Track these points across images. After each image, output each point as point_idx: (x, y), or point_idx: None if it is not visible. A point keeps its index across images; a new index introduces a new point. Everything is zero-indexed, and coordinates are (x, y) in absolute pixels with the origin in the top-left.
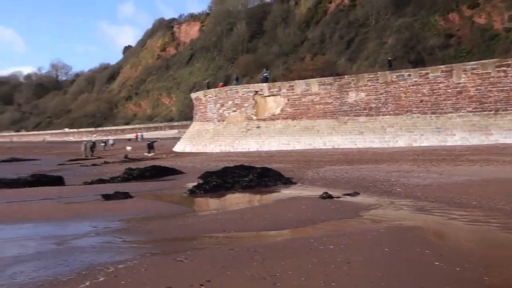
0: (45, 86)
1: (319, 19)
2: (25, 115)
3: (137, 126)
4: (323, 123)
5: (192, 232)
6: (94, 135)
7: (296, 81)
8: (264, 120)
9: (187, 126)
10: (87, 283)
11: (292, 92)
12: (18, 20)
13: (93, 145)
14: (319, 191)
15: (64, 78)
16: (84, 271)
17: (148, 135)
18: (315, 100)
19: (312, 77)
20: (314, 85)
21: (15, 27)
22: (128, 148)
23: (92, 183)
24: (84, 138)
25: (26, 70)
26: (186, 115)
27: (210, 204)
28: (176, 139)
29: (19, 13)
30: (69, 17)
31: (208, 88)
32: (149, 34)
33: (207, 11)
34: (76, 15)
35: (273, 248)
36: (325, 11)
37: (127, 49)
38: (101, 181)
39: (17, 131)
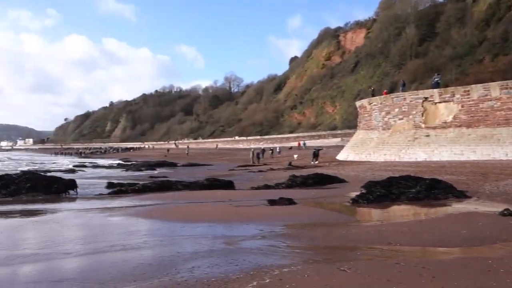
0: (219, 97)
1: (502, 15)
2: (202, 124)
3: (301, 134)
4: (505, 131)
5: (355, 242)
6: (261, 143)
7: (473, 85)
8: (433, 128)
9: (350, 135)
10: (254, 283)
11: (468, 98)
12: (199, 39)
13: (261, 152)
14: (498, 207)
15: (236, 90)
16: (251, 271)
17: (311, 143)
18: (495, 106)
19: (491, 80)
20: (495, 89)
21: (197, 46)
22: (295, 156)
23: (258, 188)
24: (252, 146)
25: (204, 83)
26: (350, 123)
27: (374, 214)
28: (339, 148)
29: (200, 33)
30: (242, 35)
31: (373, 95)
32: (315, 44)
33: (374, 17)
34: (248, 32)
35: (444, 266)
36: (509, 7)
37: (293, 60)
38: (267, 186)
39: (195, 139)
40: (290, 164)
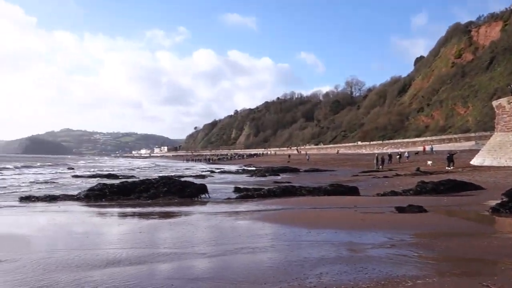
0: (340, 102)
1: None
2: (323, 130)
3: (428, 138)
4: None
5: (497, 255)
6: (385, 148)
7: None
8: None
9: (486, 137)
10: None
11: None
12: (319, 45)
13: (385, 158)
14: None
15: (357, 94)
16: (382, 281)
17: (440, 147)
18: None
19: None
20: None
21: (316, 52)
22: (429, 162)
23: (384, 194)
24: (376, 151)
25: (325, 89)
26: (485, 125)
27: None
28: (473, 152)
29: (319, 39)
30: (362, 37)
31: None
32: (443, 42)
33: (511, 8)
34: (369, 35)
35: None
36: None
37: (418, 60)
38: (394, 193)
39: (316, 144)
40: (418, 169)
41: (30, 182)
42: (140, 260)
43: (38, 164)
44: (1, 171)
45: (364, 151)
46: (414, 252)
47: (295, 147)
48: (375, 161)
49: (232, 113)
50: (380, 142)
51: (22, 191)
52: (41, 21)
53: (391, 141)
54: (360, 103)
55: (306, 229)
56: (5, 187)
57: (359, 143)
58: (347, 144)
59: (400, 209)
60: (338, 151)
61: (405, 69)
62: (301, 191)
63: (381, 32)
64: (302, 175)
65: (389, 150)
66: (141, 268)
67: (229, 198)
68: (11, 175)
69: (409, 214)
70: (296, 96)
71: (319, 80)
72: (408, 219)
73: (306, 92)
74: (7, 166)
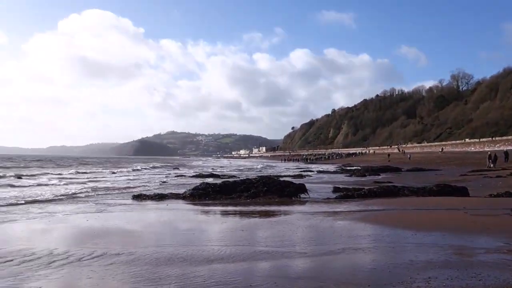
0: (445, 97)
1: None
2: (426, 127)
3: None
4: None
5: None
6: (498, 145)
7: None
8: None
9: None
10: None
11: None
12: (420, 38)
13: (499, 156)
14: None
15: (464, 88)
16: None
17: None
18: None
19: None
20: None
21: (418, 45)
22: None
23: (498, 195)
24: (486, 149)
25: (428, 84)
26: None
27: None
28: None
29: (421, 31)
30: (470, 26)
31: None
32: None
33: None
34: (477, 22)
35: None
36: None
37: None
38: (509, 194)
39: (419, 142)
40: None
41: (141, 181)
42: (242, 257)
43: (150, 165)
44: (120, 171)
45: (472, 149)
46: None
47: (396, 146)
48: (487, 159)
49: (330, 112)
50: (492, 139)
51: (135, 190)
52: (148, 31)
53: (504, 137)
54: (468, 98)
55: (410, 231)
56: (120, 186)
57: (467, 140)
58: (453, 142)
59: None
60: (442, 149)
61: None
62: (404, 191)
63: (490, 18)
64: (404, 175)
65: (505, 148)
66: (244, 265)
67: (328, 198)
68: (125, 175)
69: None
70: (397, 93)
71: (421, 74)
72: None
73: (408, 88)
74: (122, 168)
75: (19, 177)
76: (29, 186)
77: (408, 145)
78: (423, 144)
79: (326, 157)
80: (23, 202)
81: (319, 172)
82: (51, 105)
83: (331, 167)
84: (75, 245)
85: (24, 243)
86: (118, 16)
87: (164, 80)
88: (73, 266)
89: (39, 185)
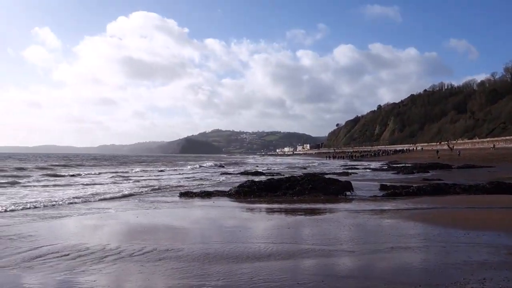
0: (498, 91)
1: None
2: (478, 123)
3: None
4: None
5: None
6: None
7: None
8: None
9: None
10: None
11: None
12: (471, 30)
13: None
14: None
15: None
16: None
17: None
18: None
19: None
20: None
21: (469, 37)
22: None
23: None
24: None
25: (479, 77)
26: None
27: None
28: None
29: (471, 22)
30: None
31: None
32: None
33: None
34: None
35: None
36: None
37: None
38: None
39: (470, 138)
40: None
41: (188, 179)
42: (289, 255)
43: (196, 163)
44: (167, 169)
45: None
46: None
47: (445, 142)
48: None
49: (375, 108)
50: None
51: (182, 188)
52: (192, 31)
53: None
54: None
55: (462, 230)
56: (168, 184)
57: None
58: (507, 138)
59: None
60: (494, 145)
61: None
62: (454, 189)
63: None
64: (455, 172)
65: None
66: (290, 263)
67: (375, 196)
68: (171, 173)
69: None
70: (446, 87)
71: (471, 68)
72: None
73: (457, 82)
74: (170, 165)
75: (72, 175)
76: (82, 184)
77: (458, 141)
78: (474, 140)
79: (372, 154)
80: (77, 199)
81: (365, 169)
82: (101, 106)
83: (377, 164)
84: (126, 241)
85: (78, 238)
86: (163, 17)
87: (209, 79)
88: (124, 261)
89: (92, 184)
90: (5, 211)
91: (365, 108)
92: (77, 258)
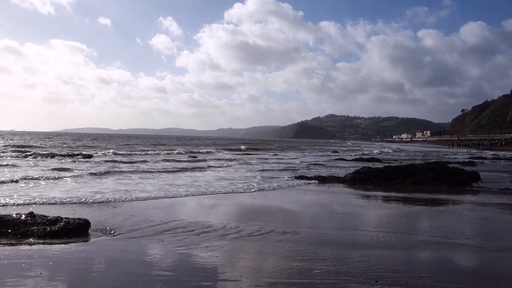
0: None
1: None
2: None
3: None
4: None
5: None
6: None
7: None
8: None
9: None
10: None
11: None
12: None
13: None
14: None
15: None
16: None
17: None
18: None
19: None
20: None
21: None
22: None
23: None
24: None
25: None
26: None
27: None
28: None
29: None
30: None
31: None
32: None
33: None
34: None
35: None
36: None
37: None
38: None
39: None
40: None
41: (303, 162)
42: (409, 246)
43: (307, 146)
44: (285, 154)
45: None
46: None
47: None
48: None
49: (508, 92)
50: None
51: (297, 170)
52: (307, 14)
53: None
54: None
55: None
56: (285, 168)
57: None
58: None
59: None
60: None
61: None
62: None
63: None
64: None
65: None
66: (411, 254)
67: (506, 189)
68: (287, 155)
69: None
70: None
71: None
72: None
73: None
74: (286, 151)
75: (193, 156)
76: (201, 168)
77: None
78: None
79: (503, 143)
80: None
81: (494, 159)
82: (219, 91)
83: (508, 154)
84: (244, 221)
85: (200, 215)
86: (278, 1)
87: (323, 63)
88: (244, 240)
89: (211, 168)
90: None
91: (495, 92)
92: (201, 234)
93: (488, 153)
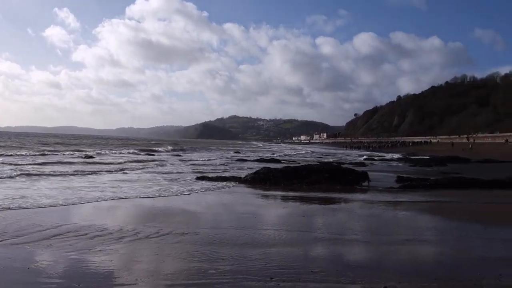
0: None
1: None
2: (500, 117)
3: None
4: None
5: None
6: None
7: None
8: None
9: None
10: None
11: None
12: (498, 19)
13: None
14: None
15: None
16: None
17: None
18: None
19: None
20: None
21: (495, 27)
22: None
23: None
24: None
25: (504, 70)
26: None
27: None
28: None
29: (498, 12)
30: None
31: None
32: None
33: None
34: None
35: None
36: None
37: None
38: None
39: (491, 133)
40: None
41: (204, 163)
42: (303, 243)
43: (211, 147)
44: (188, 155)
45: None
46: None
47: (466, 136)
48: None
49: (395, 99)
50: None
51: (198, 171)
52: (211, 15)
53: None
54: None
55: (481, 225)
56: (188, 169)
57: None
58: None
59: None
60: (507, 140)
61: None
62: (473, 183)
63: None
64: (474, 166)
65: None
66: (304, 251)
67: (391, 187)
68: (189, 156)
69: None
70: (468, 79)
71: (496, 60)
72: None
73: (481, 74)
74: (187, 150)
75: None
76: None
77: (478, 135)
78: (495, 135)
79: (389, 145)
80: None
81: (382, 160)
82: (120, 88)
83: (394, 156)
84: (142, 223)
85: (95, 219)
86: (182, 0)
87: (227, 64)
88: (141, 242)
89: (108, 172)
90: None
91: (384, 98)
92: (95, 238)
93: (377, 155)
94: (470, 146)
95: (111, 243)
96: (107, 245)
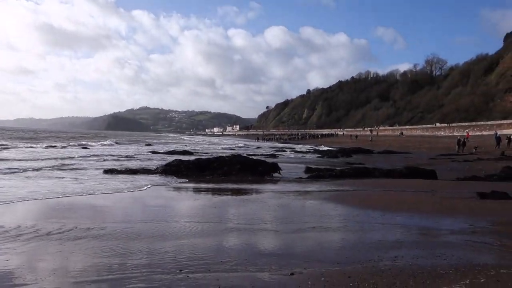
0: (419, 82)
1: None
2: (399, 111)
3: None
4: None
5: None
6: (466, 130)
7: None
8: None
9: None
10: (467, 281)
11: None
12: (398, 19)
13: (465, 141)
14: None
15: (438, 73)
16: (462, 268)
17: None
18: None
19: None
20: None
21: (396, 26)
22: None
23: (465, 179)
24: (456, 133)
25: (403, 67)
26: None
27: None
28: None
29: (399, 12)
30: (448, 10)
31: None
32: None
33: None
34: (456, 6)
35: None
36: None
37: (509, 36)
38: (475, 178)
39: (391, 125)
40: (503, 154)
41: (113, 156)
42: (214, 234)
43: (121, 139)
44: (91, 146)
45: (442, 133)
46: (497, 240)
47: (369, 128)
48: (456, 144)
49: (305, 93)
50: (462, 124)
51: (107, 164)
52: (119, 0)
53: (474, 123)
54: (441, 83)
55: (380, 211)
56: (91, 160)
57: (438, 125)
58: (424, 126)
59: (482, 195)
60: (402, 133)
61: (494, 46)
62: (374, 173)
63: (471, 2)
64: (376, 157)
65: (499, 132)
66: (215, 242)
67: (300, 178)
68: (98, 148)
69: (492, 200)
70: (371, 75)
71: (397, 57)
72: (490, 205)
73: (383, 71)
74: (94, 142)
75: None
76: None
77: (380, 128)
78: (394, 127)
79: (300, 137)
80: None
81: (292, 152)
82: (18, 75)
83: (304, 147)
84: (43, 219)
85: None
86: None
87: (136, 53)
88: (42, 240)
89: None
90: None
91: (295, 91)
92: None
93: (288, 146)
94: (370, 138)
95: (7, 241)
96: (2, 244)
